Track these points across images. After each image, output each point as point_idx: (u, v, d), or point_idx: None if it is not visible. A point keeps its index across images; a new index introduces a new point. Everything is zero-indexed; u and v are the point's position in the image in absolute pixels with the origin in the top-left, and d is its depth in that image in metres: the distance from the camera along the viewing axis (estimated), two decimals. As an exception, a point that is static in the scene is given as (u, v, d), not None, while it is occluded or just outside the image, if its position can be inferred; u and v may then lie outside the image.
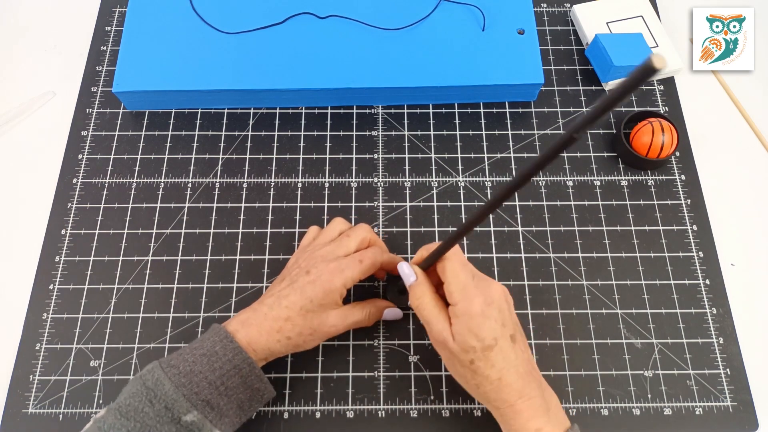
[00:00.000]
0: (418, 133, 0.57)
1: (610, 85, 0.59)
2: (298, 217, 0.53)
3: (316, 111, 0.58)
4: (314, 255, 0.43)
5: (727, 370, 0.47)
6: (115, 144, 0.56)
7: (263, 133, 0.57)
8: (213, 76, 0.55)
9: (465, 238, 0.52)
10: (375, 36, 0.56)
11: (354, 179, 0.55)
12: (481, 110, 0.58)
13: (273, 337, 0.40)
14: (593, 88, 0.59)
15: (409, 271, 0.41)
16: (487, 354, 0.37)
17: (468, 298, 0.37)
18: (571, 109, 0.58)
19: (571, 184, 0.54)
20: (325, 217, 0.53)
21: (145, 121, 0.57)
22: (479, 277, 0.39)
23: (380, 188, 0.54)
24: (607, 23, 0.61)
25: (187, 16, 0.57)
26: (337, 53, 0.55)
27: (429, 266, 0.40)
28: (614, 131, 0.57)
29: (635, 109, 0.58)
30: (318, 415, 0.46)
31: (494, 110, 0.58)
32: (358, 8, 0.57)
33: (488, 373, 0.37)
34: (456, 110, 0.58)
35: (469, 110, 0.58)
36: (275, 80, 0.54)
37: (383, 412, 0.46)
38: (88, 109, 0.58)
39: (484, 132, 0.57)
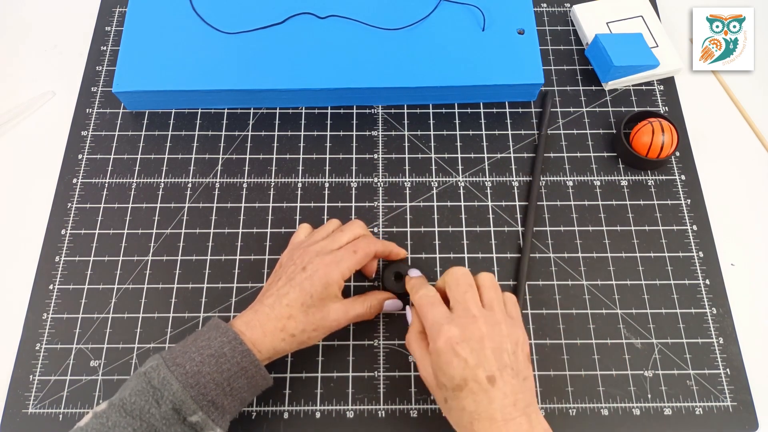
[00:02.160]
0: (418, 133, 0.57)
1: (610, 85, 0.59)
2: (298, 217, 0.53)
3: (316, 111, 0.58)
4: (308, 250, 0.44)
5: (727, 370, 0.47)
6: (115, 144, 0.56)
7: (263, 133, 0.57)
8: (213, 76, 0.55)
9: (465, 239, 0.52)
10: (375, 36, 0.56)
11: (354, 179, 0.55)
12: (481, 110, 0.58)
13: (277, 336, 0.40)
14: (593, 88, 0.59)
15: (404, 311, 0.45)
16: (457, 394, 0.36)
17: (434, 336, 0.37)
18: (571, 109, 0.58)
19: (571, 184, 0.54)
20: (325, 217, 0.53)
21: (145, 121, 0.57)
22: (464, 313, 0.38)
23: (380, 188, 0.54)
24: (607, 23, 0.61)
25: (187, 16, 0.57)
26: (337, 53, 0.55)
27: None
28: (614, 131, 0.57)
29: (635, 109, 0.58)
30: (318, 415, 0.46)
31: (494, 110, 0.58)
32: (358, 8, 0.57)
33: (460, 416, 0.36)
34: (456, 110, 0.58)
35: (469, 110, 0.58)
36: (275, 80, 0.54)
37: (383, 412, 0.46)
38: (88, 109, 0.58)
39: (484, 132, 0.57)
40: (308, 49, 0.56)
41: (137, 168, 0.55)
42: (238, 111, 0.58)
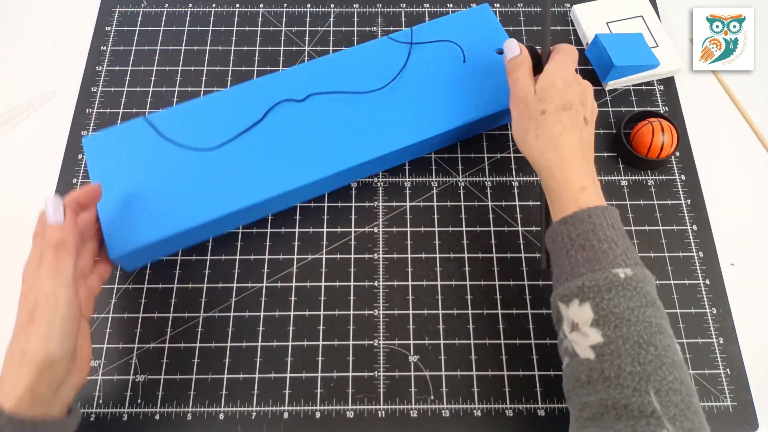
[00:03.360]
0: (418, 133, 0.57)
1: (610, 85, 0.59)
2: (298, 217, 0.53)
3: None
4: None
5: (727, 370, 0.47)
6: (115, 144, 0.56)
7: (263, 133, 0.56)
8: (213, 204, 0.47)
9: (465, 239, 0.52)
10: (360, 103, 0.52)
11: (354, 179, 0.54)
12: (481, 110, 0.58)
13: (11, 363, 0.36)
14: (593, 88, 0.59)
15: (514, 46, 0.47)
16: (560, 111, 0.43)
17: (560, 65, 0.45)
18: (571, 109, 0.58)
19: (571, 184, 0.54)
20: (325, 217, 0.53)
21: (145, 121, 0.57)
22: (578, 77, 0.46)
23: (380, 188, 0.54)
24: (607, 23, 0.61)
25: (155, 144, 0.49)
26: (326, 134, 0.50)
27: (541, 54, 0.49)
28: (614, 131, 0.57)
29: (635, 109, 0.58)
30: (318, 415, 0.46)
31: (494, 110, 0.58)
32: (334, 81, 0.52)
33: (553, 126, 0.42)
34: (456, 110, 0.58)
35: (469, 110, 0.58)
36: (272, 187, 0.48)
37: (383, 412, 0.46)
38: (88, 109, 0.58)
39: (484, 132, 0.57)
40: (296, 139, 0.50)
41: (137, 168, 0.55)
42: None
